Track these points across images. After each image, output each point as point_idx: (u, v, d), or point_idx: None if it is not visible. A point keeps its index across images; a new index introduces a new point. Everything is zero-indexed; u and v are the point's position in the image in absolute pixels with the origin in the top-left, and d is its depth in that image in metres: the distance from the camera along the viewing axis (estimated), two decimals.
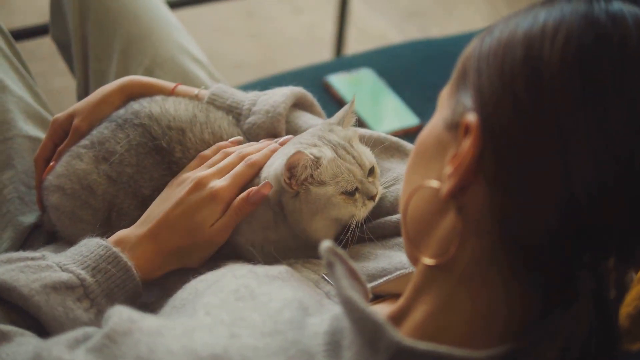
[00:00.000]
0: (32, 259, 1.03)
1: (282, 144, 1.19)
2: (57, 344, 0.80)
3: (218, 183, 1.12)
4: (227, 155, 1.18)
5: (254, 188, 1.13)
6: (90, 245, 1.08)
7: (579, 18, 0.69)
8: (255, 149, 1.19)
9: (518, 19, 0.74)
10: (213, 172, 1.14)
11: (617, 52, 0.67)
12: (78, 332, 0.82)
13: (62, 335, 0.83)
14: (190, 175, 1.15)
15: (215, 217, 1.12)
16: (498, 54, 0.72)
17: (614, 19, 0.69)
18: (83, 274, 1.03)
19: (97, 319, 1.01)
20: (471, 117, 0.71)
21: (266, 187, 1.11)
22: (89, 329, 0.83)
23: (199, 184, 1.12)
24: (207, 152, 1.20)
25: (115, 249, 1.07)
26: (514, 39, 0.71)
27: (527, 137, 0.68)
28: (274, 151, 1.18)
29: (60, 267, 1.03)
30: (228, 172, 1.15)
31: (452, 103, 0.77)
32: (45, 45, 2.40)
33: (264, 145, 1.20)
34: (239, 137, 1.23)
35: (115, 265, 1.06)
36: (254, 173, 1.15)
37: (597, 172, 0.66)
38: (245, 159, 1.16)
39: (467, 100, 0.74)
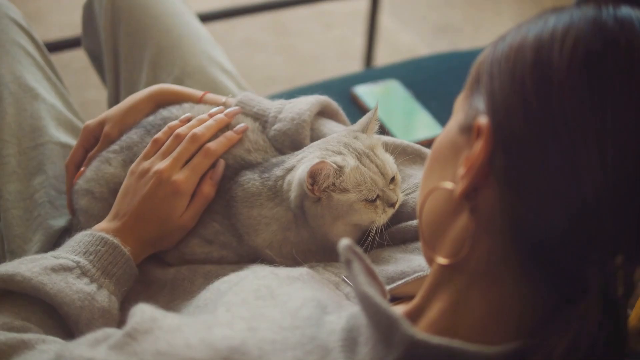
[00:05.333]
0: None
1: (238, 132, 1.25)
2: (78, 344, 0.81)
3: (179, 177, 1.18)
4: (179, 138, 1.22)
5: (212, 171, 1.21)
6: (76, 237, 1.14)
7: (587, 23, 0.71)
8: (204, 127, 1.23)
9: (529, 25, 0.75)
10: (171, 164, 1.19)
11: (625, 56, 0.69)
12: (98, 333, 0.83)
13: (82, 337, 0.84)
14: (150, 168, 1.20)
15: (182, 208, 1.19)
16: (509, 58, 0.73)
17: (622, 23, 0.70)
18: (77, 258, 1.09)
19: (99, 292, 1.07)
20: (483, 120, 0.73)
21: (220, 165, 1.21)
22: (109, 330, 0.85)
23: (161, 179, 1.18)
24: (159, 135, 1.24)
25: (100, 233, 1.13)
26: (525, 44, 0.73)
27: (537, 140, 0.69)
28: (219, 126, 1.25)
29: (55, 257, 1.08)
30: (184, 160, 1.20)
31: (466, 107, 0.79)
32: (78, 58, 2.45)
33: (213, 124, 1.24)
34: (188, 115, 1.27)
35: (103, 245, 1.12)
36: (210, 162, 1.22)
37: (606, 173, 0.67)
38: (202, 150, 1.21)
39: (480, 103, 0.75)
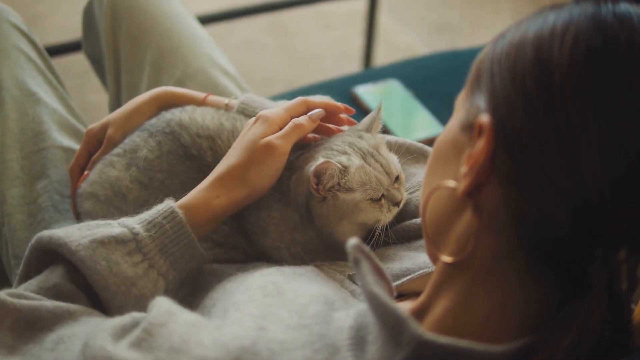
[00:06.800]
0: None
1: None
2: (103, 331, 0.81)
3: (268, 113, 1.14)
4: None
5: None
6: (160, 205, 1.08)
7: (586, 19, 0.71)
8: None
9: (529, 22, 0.76)
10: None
11: (625, 52, 0.69)
12: (126, 319, 0.84)
13: (109, 321, 0.84)
14: None
15: (263, 130, 1.12)
16: (510, 55, 0.74)
17: (620, 19, 0.71)
18: (137, 228, 1.03)
19: (145, 275, 1.02)
20: (484, 118, 0.73)
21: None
22: (137, 315, 0.85)
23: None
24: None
25: (173, 205, 1.06)
26: (525, 41, 0.73)
27: (538, 136, 0.69)
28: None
29: (119, 225, 1.04)
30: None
31: (467, 105, 0.79)
32: (79, 62, 2.45)
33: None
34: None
35: (170, 220, 1.05)
36: (304, 109, 1.17)
37: (607, 168, 0.67)
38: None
39: (481, 101, 0.76)
